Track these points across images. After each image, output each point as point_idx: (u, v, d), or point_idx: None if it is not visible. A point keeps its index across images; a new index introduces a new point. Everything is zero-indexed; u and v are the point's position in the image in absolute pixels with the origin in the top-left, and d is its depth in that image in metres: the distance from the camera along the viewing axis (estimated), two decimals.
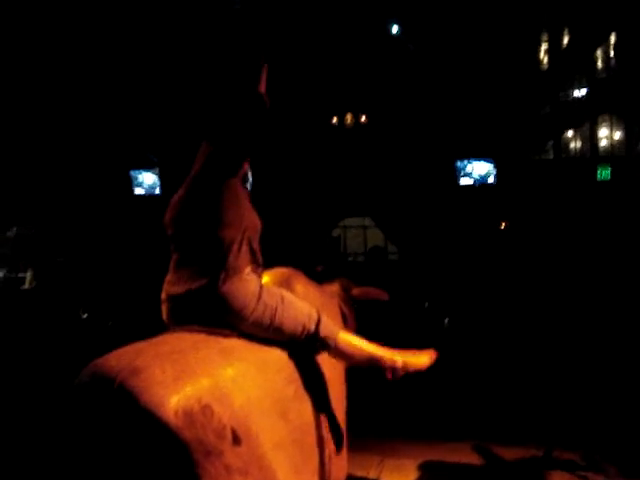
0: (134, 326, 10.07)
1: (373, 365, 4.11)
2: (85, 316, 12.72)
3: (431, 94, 12.67)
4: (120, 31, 11.97)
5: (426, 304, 11.53)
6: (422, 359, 4.27)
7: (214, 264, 3.67)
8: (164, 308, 3.83)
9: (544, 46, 13.81)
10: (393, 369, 4.11)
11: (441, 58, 11.72)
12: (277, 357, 3.85)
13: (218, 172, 3.87)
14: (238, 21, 11.39)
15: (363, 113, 13.62)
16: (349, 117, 13.53)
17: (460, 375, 9.40)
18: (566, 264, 13.68)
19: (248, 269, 3.74)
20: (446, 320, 10.46)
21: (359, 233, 17.75)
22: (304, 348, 4.02)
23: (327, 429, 4.10)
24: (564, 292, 11.76)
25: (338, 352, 4.07)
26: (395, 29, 10.10)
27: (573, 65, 13.26)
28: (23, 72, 13.05)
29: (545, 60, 13.97)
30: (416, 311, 11.13)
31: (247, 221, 3.79)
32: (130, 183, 15.64)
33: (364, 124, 13.66)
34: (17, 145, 15.97)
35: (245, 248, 3.77)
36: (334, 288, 5.08)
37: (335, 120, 13.61)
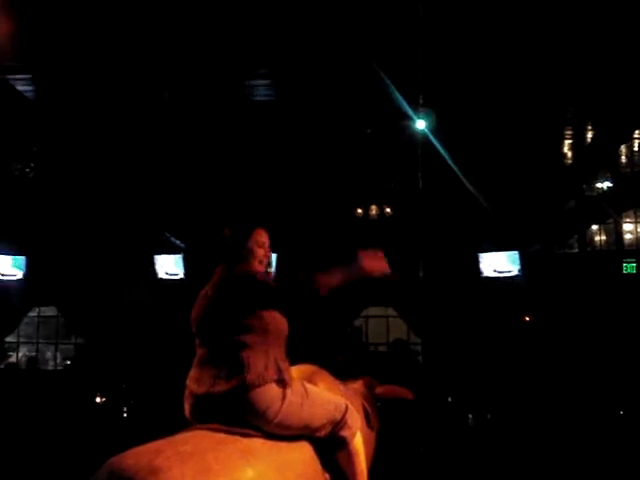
0: (149, 414, 9.93)
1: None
2: (102, 400, 12.57)
3: (456, 187, 12.75)
4: (146, 118, 12.24)
5: (449, 399, 11.30)
6: None
7: (238, 370, 3.63)
8: (187, 405, 3.78)
9: (568, 141, 13.94)
10: None
11: (467, 152, 11.85)
12: (298, 459, 3.74)
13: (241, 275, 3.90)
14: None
15: (387, 205, 13.72)
16: (374, 209, 13.64)
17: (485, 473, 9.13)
18: (592, 357, 13.43)
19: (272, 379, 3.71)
20: (470, 416, 10.22)
21: (381, 323, 17.61)
22: (325, 445, 3.94)
23: None
24: (590, 387, 11.50)
25: (350, 451, 3.99)
26: (421, 124, 10.24)
27: (597, 160, 13.33)
28: (53, 162, 13.37)
29: (569, 155, 14.08)
30: (439, 406, 10.91)
31: (272, 326, 3.77)
32: (154, 267, 15.69)
33: (388, 215, 13.75)
34: (42, 226, 16.20)
35: (271, 359, 3.75)
36: (357, 386, 4.97)
37: (360, 211, 13.71)
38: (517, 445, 9.52)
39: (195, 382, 3.74)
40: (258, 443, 3.56)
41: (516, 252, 14.21)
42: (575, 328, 14.62)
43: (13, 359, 19.44)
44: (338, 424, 3.92)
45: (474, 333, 14.83)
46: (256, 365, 3.66)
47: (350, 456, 3.98)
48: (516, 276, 14.50)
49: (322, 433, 3.89)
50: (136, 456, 3.12)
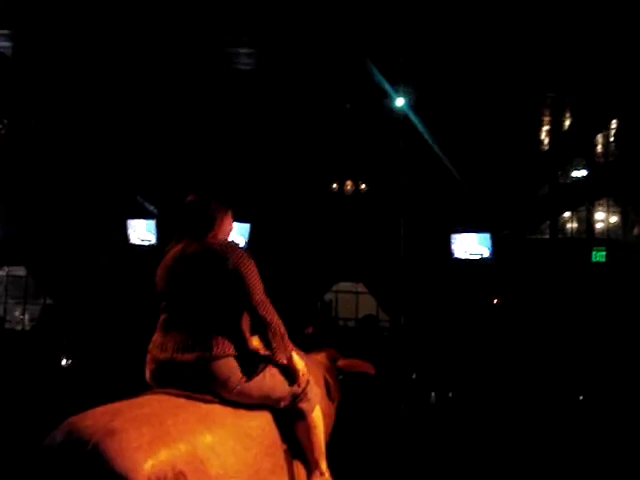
0: (113, 377, 9.91)
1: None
2: (67, 362, 12.50)
3: (432, 167, 12.79)
4: (123, 83, 12.08)
5: (414, 375, 11.42)
6: None
7: (204, 341, 3.63)
8: (148, 370, 3.78)
9: (545, 127, 14.00)
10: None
11: (445, 132, 11.86)
12: (257, 427, 3.76)
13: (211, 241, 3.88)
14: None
15: (363, 181, 13.68)
16: (349, 184, 13.57)
17: (446, 452, 9.26)
18: (557, 342, 13.62)
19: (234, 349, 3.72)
20: (433, 394, 10.34)
21: (351, 298, 17.69)
22: (285, 415, 3.98)
23: None
24: (552, 372, 11.68)
25: (308, 423, 4.03)
26: (400, 102, 10.21)
27: (573, 148, 13.40)
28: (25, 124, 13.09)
29: (546, 141, 14.13)
30: (403, 383, 11.02)
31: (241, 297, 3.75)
32: (126, 231, 15.59)
33: (363, 192, 13.71)
34: (14, 186, 15.99)
35: (237, 331, 3.75)
36: (320, 358, 5.00)
37: (335, 186, 13.66)
38: (477, 424, 9.67)
39: (158, 348, 3.73)
40: (218, 409, 3.58)
41: (488, 235, 14.27)
42: (542, 313, 14.77)
43: None
44: (298, 396, 3.96)
45: (442, 312, 14.95)
46: (223, 336, 3.66)
47: (308, 428, 4.03)
48: (487, 258, 14.58)
49: (282, 404, 3.93)
50: (94, 417, 3.12)
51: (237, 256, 3.72)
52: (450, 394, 10.42)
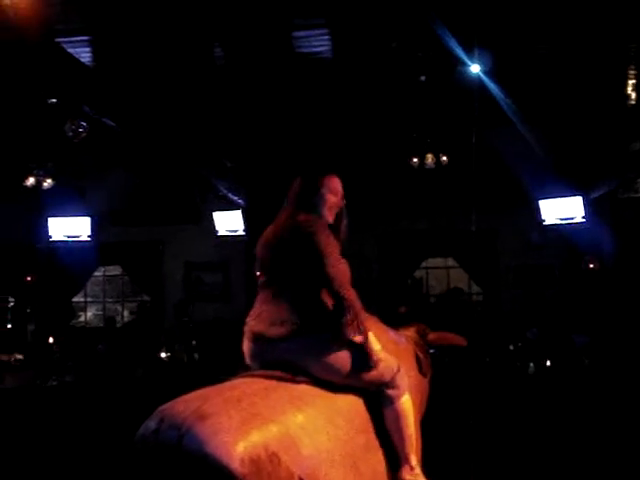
0: (213, 368, 10.12)
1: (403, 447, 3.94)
2: (167, 355, 12.80)
3: (515, 132, 12.40)
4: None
5: (511, 347, 11.21)
6: None
7: (294, 316, 3.65)
8: (245, 343, 3.84)
9: (632, 81, 13.39)
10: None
11: (525, 95, 11.48)
12: (348, 405, 3.74)
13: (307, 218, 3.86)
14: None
15: (444, 153, 13.37)
16: (430, 157, 13.28)
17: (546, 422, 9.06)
18: None
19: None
20: (531, 364, 10.12)
21: (442, 274, 17.48)
22: (374, 397, 3.92)
23: None
24: None
25: (396, 410, 3.91)
26: (475, 68, 9.88)
27: None
28: None
29: (633, 96, 13.52)
30: (499, 355, 10.85)
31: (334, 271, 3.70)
32: (213, 224, 15.79)
33: (445, 164, 13.41)
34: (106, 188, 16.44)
35: (328, 307, 3.73)
36: (409, 333, 4.96)
37: (415, 160, 13.40)
38: (578, 393, 9.41)
39: (254, 320, 3.80)
40: (307, 390, 3.59)
41: (579, 197, 13.79)
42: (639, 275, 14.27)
43: (82, 318, 20.08)
44: (386, 384, 3.88)
45: (537, 281, 14.63)
46: (310, 311, 3.67)
47: (397, 417, 3.90)
48: (580, 223, 14.09)
49: (369, 386, 3.86)
50: (185, 402, 3.18)
51: (312, 228, 3.72)
52: (548, 363, 10.15)
